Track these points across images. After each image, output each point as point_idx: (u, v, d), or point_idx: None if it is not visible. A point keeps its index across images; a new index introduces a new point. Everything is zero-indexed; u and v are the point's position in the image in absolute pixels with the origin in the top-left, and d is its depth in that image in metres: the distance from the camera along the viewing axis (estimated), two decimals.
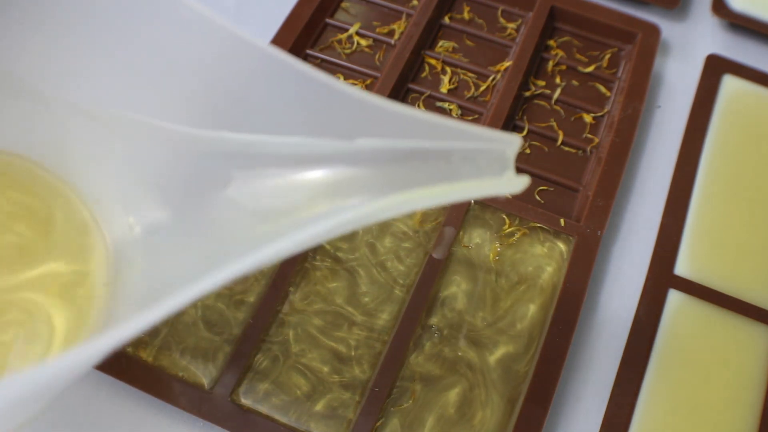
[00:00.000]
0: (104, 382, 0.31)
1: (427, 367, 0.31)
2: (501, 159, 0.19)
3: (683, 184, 0.36)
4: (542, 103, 0.39)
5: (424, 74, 0.39)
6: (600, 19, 0.40)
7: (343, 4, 0.41)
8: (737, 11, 0.41)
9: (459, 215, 0.33)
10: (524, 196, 0.36)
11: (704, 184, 0.36)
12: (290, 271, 0.32)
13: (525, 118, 0.38)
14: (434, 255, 0.33)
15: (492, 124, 0.36)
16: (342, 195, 0.21)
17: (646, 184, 0.37)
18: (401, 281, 0.32)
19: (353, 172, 0.21)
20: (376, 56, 0.40)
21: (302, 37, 0.39)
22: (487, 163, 0.19)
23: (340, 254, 0.33)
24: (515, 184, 0.19)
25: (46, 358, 0.25)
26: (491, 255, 0.33)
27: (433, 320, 0.32)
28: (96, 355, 0.16)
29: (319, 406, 0.29)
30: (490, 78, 0.39)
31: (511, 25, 0.41)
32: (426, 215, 0.34)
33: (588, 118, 0.38)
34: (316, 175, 0.22)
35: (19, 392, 0.15)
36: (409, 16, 0.41)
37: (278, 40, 0.38)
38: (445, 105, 0.38)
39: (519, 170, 0.36)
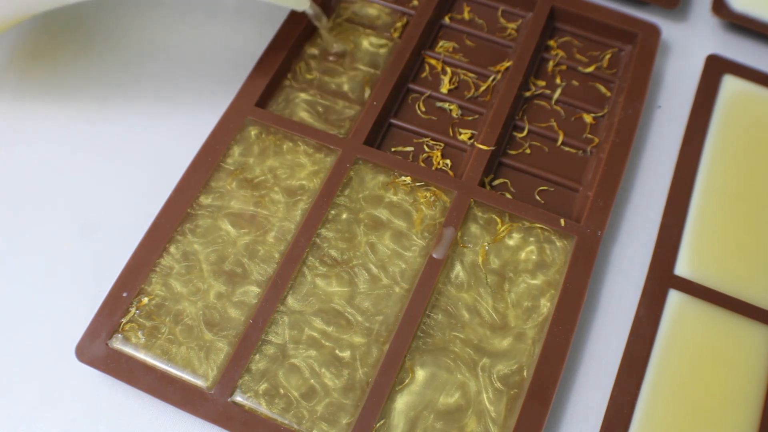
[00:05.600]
0: (105, 382, 0.31)
1: (427, 366, 0.31)
2: None
3: (683, 184, 0.36)
4: (542, 103, 0.39)
5: (424, 74, 0.39)
6: (600, 19, 0.40)
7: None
8: (737, 11, 0.41)
9: (459, 215, 0.33)
10: (524, 196, 0.36)
11: (704, 184, 0.36)
12: (290, 272, 0.32)
13: (525, 118, 0.38)
14: (434, 255, 0.33)
15: (492, 124, 0.36)
16: None
17: (646, 184, 0.37)
18: (401, 281, 0.32)
19: None
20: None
21: (302, 36, 0.39)
22: None
23: (340, 255, 0.33)
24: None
25: None
26: (491, 255, 0.33)
27: (434, 320, 0.32)
28: None
29: (319, 407, 0.29)
30: (490, 78, 0.39)
31: (511, 25, 0.41)
32: (426, 216, 0.34)
33: (588, 118, 0.38)
34: None
35: None
36: (409, 16, 0.41)
37: (279, 40, 0.38)
38: (445, 105, 0.38)
39: (520, 170, 0.36)
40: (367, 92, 0.37)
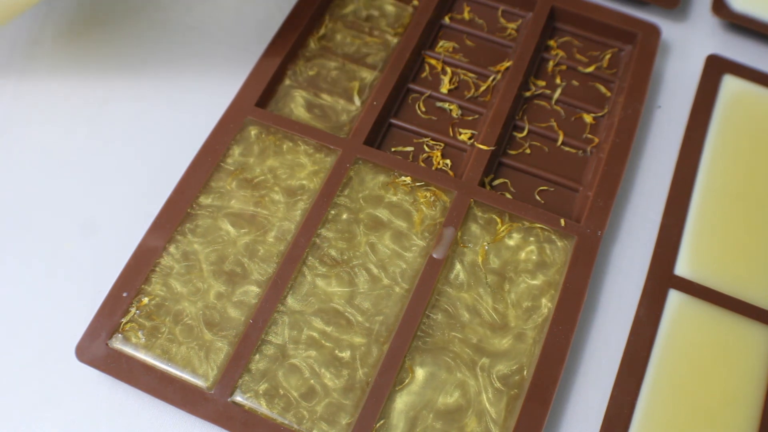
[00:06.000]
0: (105, 382, 0.31)
1: (427, 366, 0.31)
2: None
3: (683, 184, 0.36)
4: (542, 103, 0.39)
5: (424, 74, 0.39)
6: (600, 19, 0.40)
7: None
8: (737, 11, 0.41)
9: (459, 215, 0.33)
10: (524, 196, 0.36)
11: (704, 184, 0.36)
12: (290, 272, 0.32)
13: (525, 118, 0.38)
14: (434, 255, 0.33)
15: (492, 124, 0.36)
16: None
17: (646, 184, 0.37)
18: (401, 281, 0.32)
19: None
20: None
21: (303, 35, 0.39)
22: None
23: (340, 255, 0.33)
24: None
25: None
26: (491, 255, 0.33)
27: (434, 320, 0.32)
28: None
29: (319, 407, 0.29)
30: (490, 78, 0.39)
31: (511, 25, 0.41)
32: (427, 216, 0.34)
33: (588, 118, 0.38)
34: None
35: None
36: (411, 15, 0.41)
37: (279, 39, 0.38)
38: (445, 105, 0.38)
39: (520, 170, 0.36)
40: (356, 98, 0.37)
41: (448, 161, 0.36)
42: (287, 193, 0.34)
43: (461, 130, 0.37)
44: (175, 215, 0.33)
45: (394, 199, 0.34)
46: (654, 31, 0.40)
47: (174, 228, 0.33)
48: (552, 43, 0.40)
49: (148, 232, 0.33)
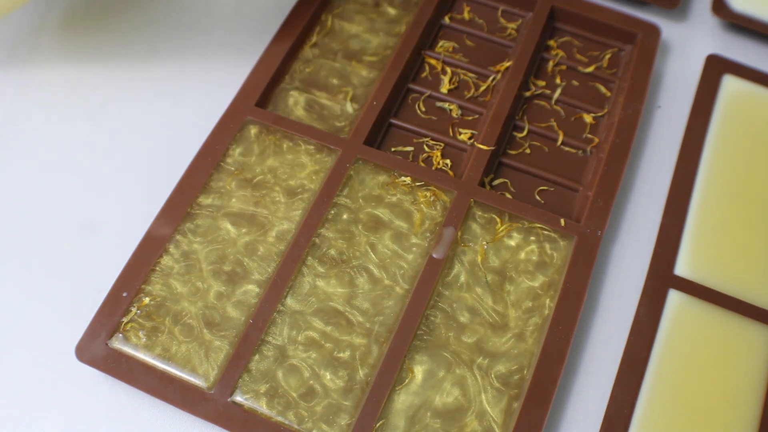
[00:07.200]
0: (105, 382, 0.31)
1: (427, 366, 0.31)
2: None
3: (683, 184, 0.36)
4: (542, 103, 0.39)
5: (424, 74, 0.39)
6: (600, 19, 0.40)
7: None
8: (737, 11, 0.41)
9: (459, 215, 0.34)
10: (524, 196, 0.36)
11: (704, 184, 0.36)
12: (290, 272, 0.32)
13: (525, 118, 0.38)
14: (434, 255, 0.33)
15: (492, 124, 0.36)
16: None
17: (646, 184, 0.37)
18: (402, 281, 0.32)
19: None
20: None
21: (303, 35, 0.39)
22: None
23: (339, 255, 0.33)
24: None
25: None
26: (491, 255, 0.33)
27: (433, 320, 0.32)
28: None
29: (319, 407, 0.29)
30: (490, 78, 0.39)
31: (511, 25, 0.41)
32: (427, 216, 0.34)
33: (588, 118, 0.38)
34: None
35: None
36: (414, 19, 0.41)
37: (279, 39, 0.38)
38: (445, 105, 0.38)
39: (520, 170, 0.36)
40: (350, 105, 0.37)
41: (448, 161, 0.36)
42: (287, 193, 0.34)
43: (461, 130, 0.37)
44: (175, 215, 0.33)
45: (394, 199, 0.34)
46: (654, 31, 0.40)
47: (174, 228, 0.33)
48: (552, 43, 0.41)
49: (148, 232, 0.33)
